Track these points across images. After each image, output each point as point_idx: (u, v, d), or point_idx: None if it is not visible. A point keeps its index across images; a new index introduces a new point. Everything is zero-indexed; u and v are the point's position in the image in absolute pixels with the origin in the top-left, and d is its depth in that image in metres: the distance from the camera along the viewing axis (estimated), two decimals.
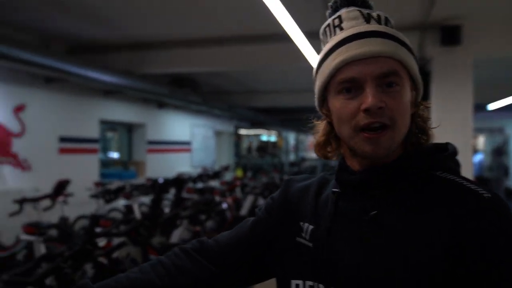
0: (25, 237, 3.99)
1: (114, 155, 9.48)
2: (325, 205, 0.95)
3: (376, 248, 0.82)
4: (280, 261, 0.97)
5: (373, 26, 0.87)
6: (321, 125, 0.97)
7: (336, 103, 0.87)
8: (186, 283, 0.98)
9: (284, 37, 4.24)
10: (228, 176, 10.09)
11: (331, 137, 0.95)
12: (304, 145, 23.71)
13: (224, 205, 5.41)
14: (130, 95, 8.09)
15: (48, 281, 2.05)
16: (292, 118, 15.71)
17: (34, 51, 4.93)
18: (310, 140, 26.65)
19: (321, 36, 0.96)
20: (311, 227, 0.94)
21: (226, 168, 10.02)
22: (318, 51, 0.96)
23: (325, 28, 0.94)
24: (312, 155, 21.23)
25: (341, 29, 0.90)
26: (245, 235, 1.04)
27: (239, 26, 5.68)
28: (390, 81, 0.83)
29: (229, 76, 9.40)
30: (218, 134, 13.36)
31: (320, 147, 0.98)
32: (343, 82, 0.85)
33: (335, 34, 0.90)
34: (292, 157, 18.09)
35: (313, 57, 4.77)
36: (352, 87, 0.84)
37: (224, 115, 12.57)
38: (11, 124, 5.86)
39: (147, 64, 6.71)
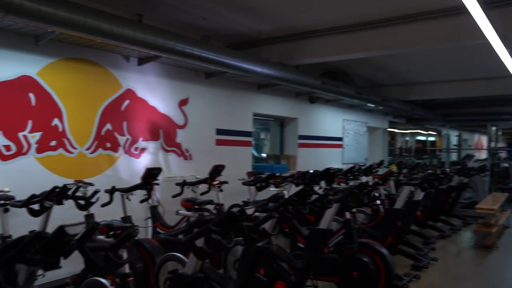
0: (182, 212, 4.28)
1: (265, 155, 9.67)
2: None
3: None
4: None
5: None
6: None
7: None
8: None
9: (451, 10, 3.79)
10: (381, 172, 9.56)
11: None
12: (468, 145, 21.38)
13: (377, 193, 5.04)
14: (283, 89, 8.20)
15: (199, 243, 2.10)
16: (454, 113, 14.45)
17: (197, 46, 5.31)
18: (476, 139, 23.92)
19: None
20: None
21: (380, 164, 9.44)
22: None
23: None
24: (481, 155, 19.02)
25: None
26: None
27: (398, 5, 5.36)
28: None
29: (382, 66, 8.97)
30: (371, 130, 12.79)
31: None
32: None
33: None
34: (454, 157, 16.44)
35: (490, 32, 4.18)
36: None
37: (378, 110, 12.01)
38: (177, 117, 6.39)
39: (300, 54, 6.72)
